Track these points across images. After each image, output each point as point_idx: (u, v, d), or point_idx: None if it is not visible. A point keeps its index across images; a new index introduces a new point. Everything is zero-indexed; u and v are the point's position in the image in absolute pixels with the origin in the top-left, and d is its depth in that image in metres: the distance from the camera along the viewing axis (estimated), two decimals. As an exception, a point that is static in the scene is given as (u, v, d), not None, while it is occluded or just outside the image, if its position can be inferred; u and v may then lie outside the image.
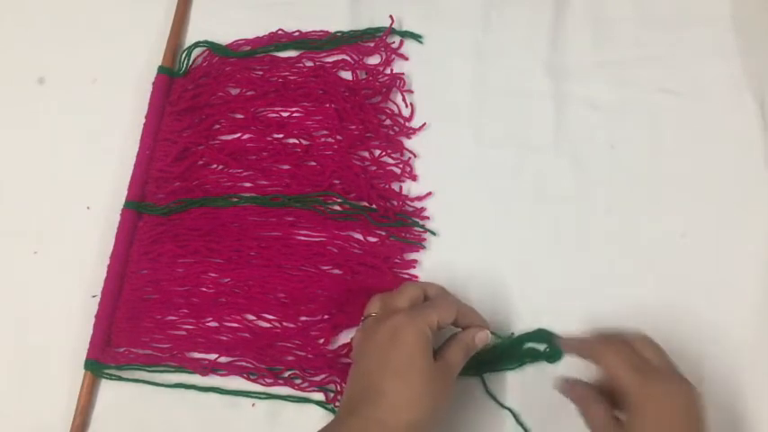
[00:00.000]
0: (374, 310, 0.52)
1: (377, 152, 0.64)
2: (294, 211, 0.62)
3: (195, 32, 0.71)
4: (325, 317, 0.59)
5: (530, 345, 0.56)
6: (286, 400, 0.57)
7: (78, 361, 0.59)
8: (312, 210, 0.62)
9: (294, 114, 0.66)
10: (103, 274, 0.62)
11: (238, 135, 0.66)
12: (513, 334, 0.57)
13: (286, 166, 0.64)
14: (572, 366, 0.54)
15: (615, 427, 0.46)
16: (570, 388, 0.51)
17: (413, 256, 0.61)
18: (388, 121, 0.65)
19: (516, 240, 0.61)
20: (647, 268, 0.59)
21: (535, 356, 0.56)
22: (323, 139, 0.65)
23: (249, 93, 0.67)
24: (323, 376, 0.58)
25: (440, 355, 0.49)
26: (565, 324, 0.56)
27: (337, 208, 0.62)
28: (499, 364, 0.56)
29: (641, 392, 0.46)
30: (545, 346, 0.56)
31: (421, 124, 0.65)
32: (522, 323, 0.58)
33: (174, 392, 0.58)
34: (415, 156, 0.64)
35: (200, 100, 0.67)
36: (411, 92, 0.66)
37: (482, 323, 0.53)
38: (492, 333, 0.53)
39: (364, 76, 0.67)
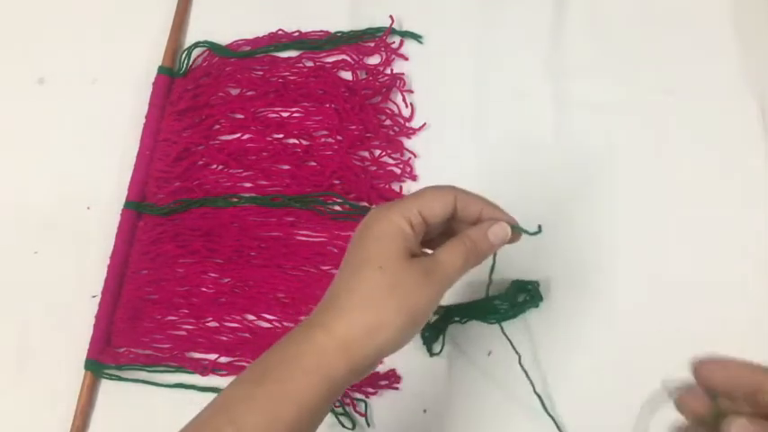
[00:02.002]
0: None
1: (377, 152, 0.64)
2: (294, 212, 0.62)
3: (195, 32, 0.71)
4: (326, 317, 0.59)
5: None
6: (286, 399, 0.57)
7: (78, 361, 0.59)
8: (312, 210, 0.62)
9: (294, 114, 0.66)
10: (103, 274, 0.62)
11: (238, 135, 0.66)
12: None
13: (286, 167, 0.64)
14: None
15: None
16: None
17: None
18: (388, 121, 0.65)
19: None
20: (646, 267, 0.59)
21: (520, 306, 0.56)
22: (323, 140, 0.65)
23: (249, 93, 0.67)
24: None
25: (432, 253, 0.41)
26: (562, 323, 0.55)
27: (337, 208, 0.62)
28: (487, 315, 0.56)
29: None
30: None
31: (421, 124, 0.65)
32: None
33: (174, 392, 0.58)
34: (415, 156, 0.64)
35: (200, 100, 0.67)
36: (411, 92, 0.66)
37: (500, 216, 0.42)
38: (515, 228, 0.43)
39: (364, 76, 0.67)
